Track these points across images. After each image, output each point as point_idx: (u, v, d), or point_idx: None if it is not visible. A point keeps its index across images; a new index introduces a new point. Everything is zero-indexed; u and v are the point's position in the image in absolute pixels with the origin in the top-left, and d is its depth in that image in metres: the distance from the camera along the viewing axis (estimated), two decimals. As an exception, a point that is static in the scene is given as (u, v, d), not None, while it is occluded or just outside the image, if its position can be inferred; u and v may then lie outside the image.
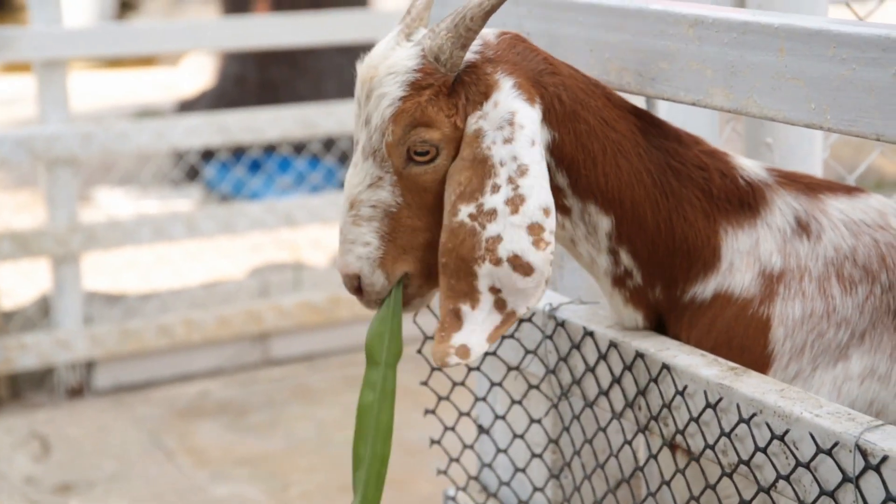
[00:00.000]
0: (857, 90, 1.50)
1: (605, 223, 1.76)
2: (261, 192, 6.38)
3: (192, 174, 6.86)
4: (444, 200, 1.68)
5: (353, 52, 7.69)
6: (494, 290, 1.65)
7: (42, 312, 4.81)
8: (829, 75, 1.53)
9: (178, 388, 4.73)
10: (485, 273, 1.65)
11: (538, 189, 1.64)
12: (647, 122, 1.78)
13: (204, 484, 4.00)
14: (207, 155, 6.81)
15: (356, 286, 1.75)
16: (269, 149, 6.55)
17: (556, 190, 1.73)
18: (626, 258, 1.78)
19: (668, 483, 1.79)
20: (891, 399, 1.75)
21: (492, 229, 1.64)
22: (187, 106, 7.54)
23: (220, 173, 6.76)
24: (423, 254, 1.73)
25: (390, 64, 1.69)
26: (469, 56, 1.70)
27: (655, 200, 1.75)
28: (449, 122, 1.68)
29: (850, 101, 1.51)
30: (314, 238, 6.07)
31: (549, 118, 1.70)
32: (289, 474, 4.05)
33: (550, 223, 1.64)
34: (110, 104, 8.94)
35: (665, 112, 2.20)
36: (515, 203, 1.64)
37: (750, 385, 1.64)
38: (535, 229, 1.63)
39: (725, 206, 1.77)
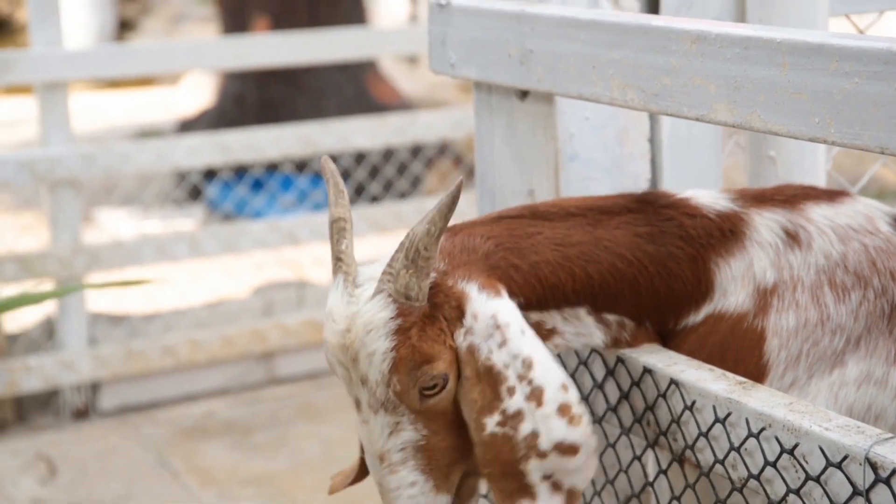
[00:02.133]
0: (861, 104, 1.51)
1: (581, 310, 1.77)
2: (263, 211, 6.39)
3: (195, 194, 6.87)
4: (465, 421, 1.67)
5: (353, 70, 7.72)
6: (547, 478, 1.65)
7: (46, 334, 4.81)
8: (832, 89, 1.53)
9: (183, 409, 4.73)
10: (533, 468, 1.64)
11: (550, 373, 1.65)
12: (596, 213, 1.78)
13: (211, 502, 4.00)
14: (209, 174, 6.82)
15: None
16: (271, 167, 6.55)
17: (536, 326, 1.73)
18: (612, 317, 1.79)
19: (678, 498, 1.79)
20: (888, 402, 1.76)
21: (524, 429, 1.64)
22: (188, 125, 7.55)
23: (223, 192, 6.77)
24: (467, 455, 1.71)
25: (365, 322, 1.65)
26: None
27: (633, 279, 1.76)
28: (445, 348, 1.66)
29: (854, 114, 1.51)
30: (317, 256, 6.08)
31: (512, 291, 1.70)
32: (294, 493, 4.04)
33: (573, 395, 1.65)
34: (110, 124, 8.95)
35: (668, 127, 2.20)
36: (537, 396, 1.64)
37: (758, 399, 1.64)
38: (564, 410, 1.64)
39: (710, 242, 1.78)
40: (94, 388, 4.69)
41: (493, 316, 1.65)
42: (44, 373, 4.56)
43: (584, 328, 1.78)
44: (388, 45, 5.45)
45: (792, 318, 1.75)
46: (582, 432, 1.64)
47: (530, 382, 1.64)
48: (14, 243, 6.32)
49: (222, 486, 4.10)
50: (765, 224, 1.79)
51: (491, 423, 1.64)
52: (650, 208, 1.79)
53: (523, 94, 2.04)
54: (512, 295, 1.70)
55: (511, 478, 1.65)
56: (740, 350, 1.76)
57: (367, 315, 1.65)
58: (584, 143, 2.14)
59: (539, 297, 1.73)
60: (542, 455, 1.63)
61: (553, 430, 1.63)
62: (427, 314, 1.66)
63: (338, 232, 1.71)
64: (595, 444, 1.65)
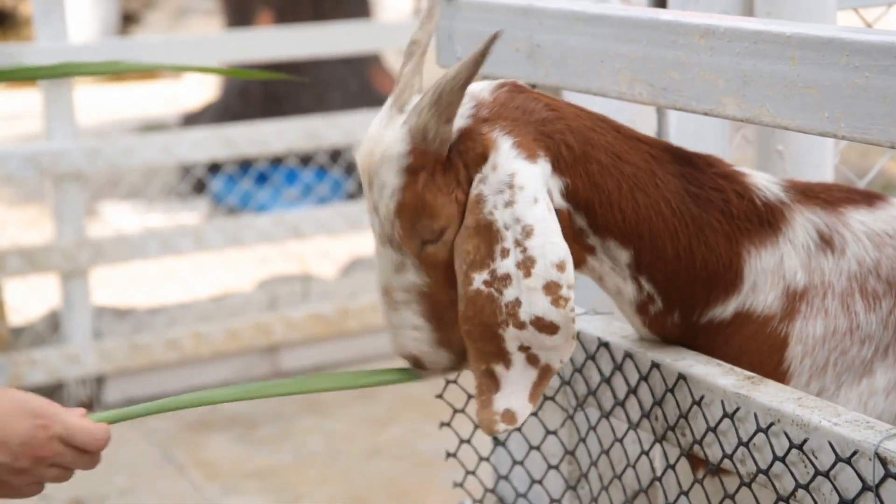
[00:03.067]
0: (871, 98, 1.50)
1: (624, 256, 1.73)
2: (268, 205, 6.39)
3: (199, 187, 6.87)
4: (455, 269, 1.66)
5: (357, 64, 7.73)
6: (524, 349, 1.63)
7: (51, 328, 4.81)
8: (842, 83, 1.53)
9: (187, 402, 4.72)
10: (511, 336, 1.62)
11: (548, 247, 1.60)
12: (660, 150, 1.74)
13: (215, 497, 4.00)
14: (214, 168, 6.82)
15: (418, 364, 1.72)
16: (276, 161, 6.55)
17: (578, 232, 1.70)
18: (647, 285, 1.75)
19: (686, 493, 1.79)
20: None
21: (509, 294, 1.60)
22: (192, 119, 7.55)
23: (227, 186, 6.77)
24: None
25: (384, 149, 1.64)
26: (462, 122, 1.65)
27: (674, 230, 1.71)
28: (449, 201, 1.63)
29: (864, 109, 1.51)
30: (322, 249, 6.08)
31: (558, 166, 1.66)
32: (299, 487, 4.05)
33: (567, 277, 1.61)
34: (114, 118, 8.96)
35: (675, 121, 2.20)
36: (527, 265, 1.60)
37: (767, 394, 1.63)
38: (551, 288, 1.60)
39: (747, 227, 1.73)
40: (99, 381, 4.70)
41: (512, 174, 1.61)
42: (49, 366, 4.56)
43: (619, 272, 1.73)
44: (393, 38, 5.44)
45: (820, 326, 1.71)
46: (563, 315, 1.60)
47: (525, 250, 1.60)
48: (18, 237, 6.32)
49: (227, 480, 4.10)
50: (801, 223, 1.75)
51: (479, 279, 1.61)
52: (708, 171, 1.74)
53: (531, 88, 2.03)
54: (559, 172, 1.66)
55: (489, 340, 1.62)
56: (759, 354, 1.73)
57: (386, 144, 1.63)
58: (591, 137, 2.13)
59: (587, 196, 1.68)
60: (520, 325, 1.60)
61: (535, 303, 1.60)
62: (443, 160, 1.63)
63: (407, 55, 1.71)
64: (575, 330, 1.62)
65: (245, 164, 6.32)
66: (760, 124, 1.65)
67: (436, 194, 1.62)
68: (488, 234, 1.61)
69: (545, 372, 1.63)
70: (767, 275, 1.74)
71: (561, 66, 1.91)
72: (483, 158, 1.63)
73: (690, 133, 2.21)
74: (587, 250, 1.72)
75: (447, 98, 1.59)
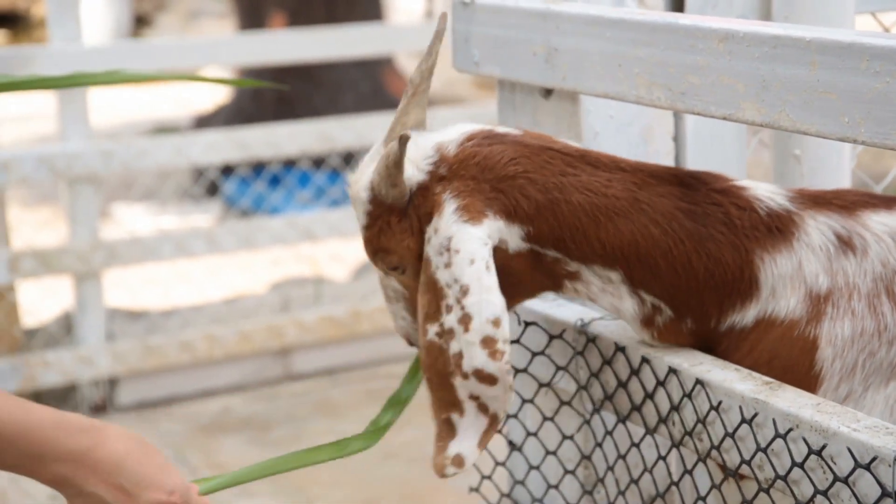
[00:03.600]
0: (892, 103, 1.49)
1: (615, 275, 1.77)
2: (281, 207, 6.39)
3: (212, 190, 6.88)
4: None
5: (369, 66, 7.73)
6: (474, 398, 1.74)
7: (64, 329, 4.82)
8: (862, 88, 1.52)
9: (200, 404, 4.73)
10: (459, 385, 1.73)
11: (483, 304, 1.71)
12: (644, 176, 1.76)
13: (227, 499, 3.99)
14: (227, 170, 6.83)
15: (410, 341, 1.91)
16: (289, 163, 6.56)
17: (552, 262, 1.77)
18: (648, 297, 1.77)
19: (703, 499, 1.78)
20: None
21: (454, 347, 1.73)
22: (204, 121, 7.56)
23: (240, 188, 6.78)
24: None
25: (357, 189, 1.81)
26: (421, 177, 1.77)
27: (667, 249, 1.74)
28: (402, 246, 1.78)
29: (885, 113, 1.50)
30: (335, 252, 6.08)
31: (516, 217, 1.75)
32: (311, 489, 4.05)
33: (502, 332, 1.72)
34: (126, 120, 8.97)
35: (692, 125, 2.20)
36: (465, 322, 1.71)
37: (786, 399, 1.63)
38: (488, 342, 1.71)
39: (755, 234, 1.74)
40: (112, 383, 4.70)
41: (449, 238, 1.73)
42: (62, 368, 4.57)
43: (614, 290, 1.78)
44: (405, 41, 5.44)
45: (847, 327, 1.71)
46: (499, 368, 1.71)
47: (463, 308, 1.71)
48: (32, 238, 6.33)
49: (240, 482, 4.10)
50: (816, 227, 1.74)
51: (431, 331, 1.74)
52: (702, 188, 1.76)
53: (547, 93, 2.03)
54: (516, 222, 1.75)
55: (445, 389, 1.74)
56: (790, 358, 1.72)
57: (359, 185, 1.81)
58: (608, 141, 2.13)
59: (556, 235, 1.76)
60: (465, 376, 1.72)
61: (474, 357, 1.71)
62: (399, 211, 1.78)
63: (404, 93, 1.85)
64: (511, 382, 1.73)
65: (258, 167, 6.33)
66: (779, 129, 1.64)
67: (390, 239, 1.79)
68: (435, 291, 1.74)
69: (493, 420, 1.76)
70: (786, 280, 1.74)
71: (578, 71, 1.90)
72: (429, 217, 1.76)
73: (707, 137, 2.21)
74: (567, 277, 1.79)
75: (388, 171, 1.74)
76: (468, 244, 1.72)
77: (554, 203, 1.74)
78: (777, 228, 1.74)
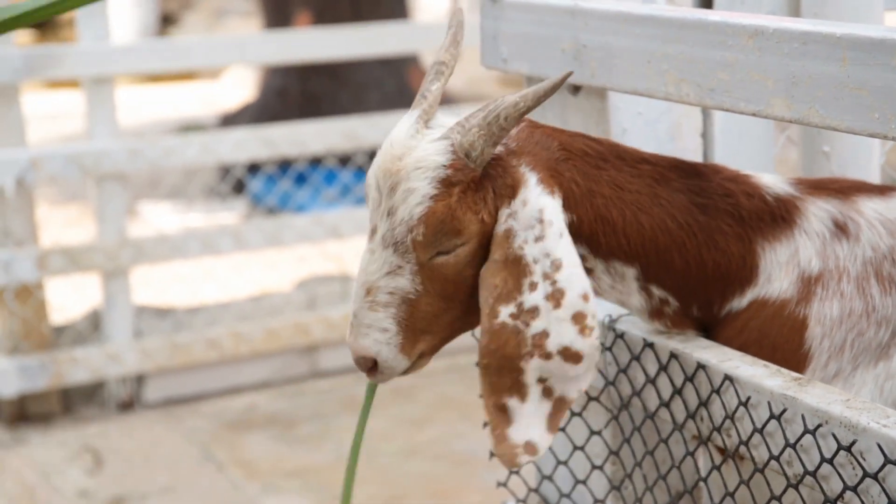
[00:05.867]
0: (922, 99, 1.49)
1: (630, 272, 1.79)
2: (307, 205, 6.41)
3: (239, 187, 6.90)
4: (469, 289, 1.71)
5: (394, 64, 7.75)
6: (542, 381, 1.69)
7: (92, 326, 4.85)
8: (893, 84, 1.52)
9: (227, 401, 4.75)
10: (534, 367, 1.68)
11: (575, 279, 1.67)
12: (665, 169, 1.79)
13: (255, 496, 4.02)
14: (253, 168, 6.85)
15: (370, 366, 1.76)
16: (315, 161, 6.57)
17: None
18: (658, 291, 1.81)
19: (731, 494, 1.78)
20: None
21: (536, 326, 1.67)
22: (230, 119, 7.59)
23: (266, 186, 6.80)
24: (441, 334, 1.76)
25: (419, 157, 1.68)
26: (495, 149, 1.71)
27: (682, 242, 1.77)
28: (476, 219, 1.69)
29: (915, 110, 1.50)
30: (360, 249, 6.09)
31: (567, 204, 1.73)
32: (338, 486, 4.05)
33: (592, 307, 1.68)
34: (153, 118, 9.01)
35: (720, 122, 2.20)
36: (556, 297, 1.67)
37: (815, 395, 1.63)
38: (579, 318, 1.67)
39: (759, 225, 1.79)
40: (140, 380, 4.73)
41: (541, 210, 1.68)
42: (90, 365, 4.60)
43: (623, 287, 1.80)
44: (430, 39, 5.45)
45: (836, 307, 1.75)
46: (590, 344, 1.67)
47: (554, 283, 1.67)
48: (61, 236, 6.37)
49: (266, 479, 4.12)
50: (816, 213, 1.80)
51: (505, 311, 1.67)
52: (716, 178, 1.80)
53: (576, 89, 2.04)
54: (565, 207, 1.72)
55: (507, 373, 1.68)
56: (780, 336, 1.77)
57: (423, 152, 1.68)
58: (637, 138, 2.13)
59: (591, 228, 1.75)
60: (547, 356, 1.67)
61: (564, 334, 1.67)
62: (477, 180, 1.69)
63: (434, 73, 1.76)
64: (598, 358, 1.69)
65: (284, 165, 6.34)
66: (809, 125, 1.64)
67: (466, 210, 1.68)
68: (517, 268, 1.67)
69: (560, 403, 1.70)
70: (782, 266, 1.79)
71: (607, 67, 1.91)
72: (512, 191, 1.69)
73: (735, 134, 2.21)
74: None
75: (503, 123, 1.66)
76: (557, 217, 1.68)
77: (592, 194, 1.75)
78: (781, 216, 1.79)
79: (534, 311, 1.66)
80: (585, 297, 1.67)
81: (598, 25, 1.91)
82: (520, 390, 1.68)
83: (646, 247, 1.77)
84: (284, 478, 4.13)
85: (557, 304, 1.66)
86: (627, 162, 1.78)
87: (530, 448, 1.68)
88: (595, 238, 1.76)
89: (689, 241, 1.77)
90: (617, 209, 1.76)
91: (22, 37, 11.44)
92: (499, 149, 1.71)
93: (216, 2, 12.77)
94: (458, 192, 1.67)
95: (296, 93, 7.32)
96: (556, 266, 1.66)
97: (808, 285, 1.77)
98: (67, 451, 4.36)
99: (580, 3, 1.94)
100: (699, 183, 1.79)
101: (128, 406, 4.70)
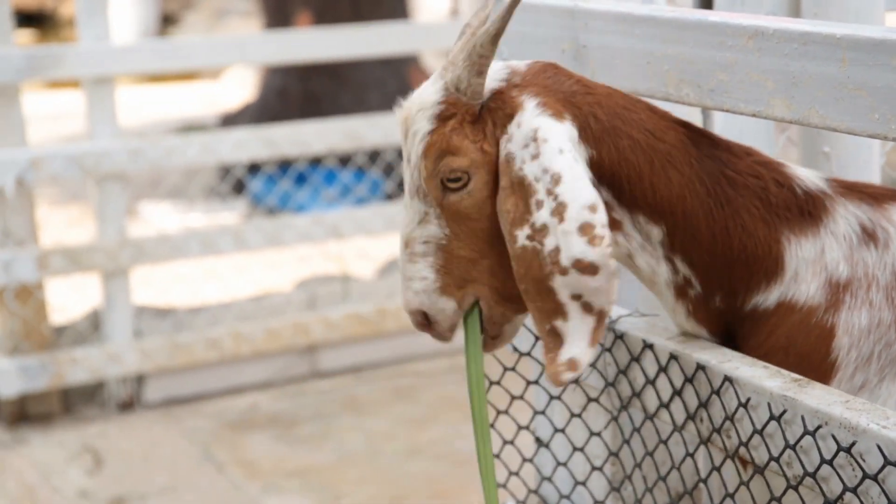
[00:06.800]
0: (922, 100, 1.49)
1: (656, 232, 1.77)
2: (307, 205, 6.41)
3: (239, 188, 6.90)
4: (500, 231, 1.73)
5: (395, 64, 7.73)
6: (576, 297, 1.68)
7: (92, 327, 4.85)
8: (893, 85, 1.52)
9: (227, 401, 4.75)
10: (560, 285, 1.68)
11: (577, 191, 1.67)
12: (697, 134, 1.78)
13: (255, 496, 4.02)
14: (253, 168, 6.85)
15: (422, 322, 1.79)
16: (315, 161, 6.57)
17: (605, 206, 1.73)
18: (682, 267, 1.78)
19: (731, 496, 1.78)
20: None
21: (549, 243, 1.67)
22: (230, 119, 7.59)
23: (267, 186, 6.80)
24: (488, 280, 1.76)
25: (420, 101, 1.76)
26: (495, 84, 1.75)
27: (710, 210, 1.75)
28: (475, 148, 1.73)
29: (915, 110, 1.50)
30: (361, 250, 6.09)
31: (584, 136, 1.73)
32: (339, 486, 4.06)
33: (600, 217, 1.67)
34: (153, 118, 9.01)
35: (720, 122, 2.19)
36: (560, 211, 1.67)
37: (814, 397, 1.63)
38: (585, 229, 1.66)
39: (786, 215, 1.76)
40: (140, 380, 4.73)
41: (535, 129, 1.70)
42: (90, 365, 4.60)
43: (651, 249, 1.78)
44: (431, 39, 5.45)
45: (865, 317, 1.73)
46: (600, 253, 1.67)
47: (556, 198, 1.67)
48: (61, 236, 6.37)
49: (267, 479, 4.12)
50: (844, 215, 1.77)
51: (521, 235, 1.69)
52: (747, 158, 1.79)
53: (576, 90, 2.03)
54: (584, 141, 1.73)
55: (544, 296, 1.69)
56: (806, 345, 1.74)
57: (423, 96, 1.76)
58: (636, 138, 2.12)
59: (614, 171, 1.74)
60: (564, 272, 1.67)
61: (572, 246, 1.67)
62: (473, 112, 1.74)
63: (460, 34, 1.82)
64: (614, 267, 1.68)
65: (284, 165, 6.34)
66: (809, 126, 1.64)
67: (462, 138, 1.73)
68: (522, 190, 1.69)
69: (600, 316, 1.69)
70: (809, 264, 1.75)
71: (607, 68, 1.90)
72: (510, 118, 1.72)
73: (735, 135, 2.20)
74: (613, 226, 1.76)
75: (479, 51, 1.70)
76: (556, 134, 1.69)
77: (617, 132, 1.74)
78: (808, 212, 1.76)
79: (544, 230, 1.67)
80: (592, 208, 1.66)
81: (598, 26, 1.91)
82: (560, 310, 1.69)
83: (673, 204, 1.74)
84: (285, 478, 4.13)
85: (562, 218, 1.66)
86: (659, 115, 1.78)
87: (572, 364, 1.68)
88: (618, 183, 1.75)
89: (717, 211, 1.75)
90: (645, 155, 1.74)
91: (22, 37, 11.45)
92: (501, 84, 1.75)
93: (216, 2, 12.77)
94: (453, 124, 1.73)
95: (296, 93, 7.32)
96: (556, 180, 1.67)
97: (837, 292, 1.74)
98: (67, 452, 4.36)
99: (580, 4, 1.94)
100: (730, 158, 1.78)
101: (128, 406, 4.70)
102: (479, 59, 1.71)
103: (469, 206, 1.74)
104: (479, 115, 1.73)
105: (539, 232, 1.67)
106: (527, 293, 1.70)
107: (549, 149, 1.68)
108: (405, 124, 1.77)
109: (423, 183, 1.75)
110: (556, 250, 1.67)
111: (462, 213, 1.75)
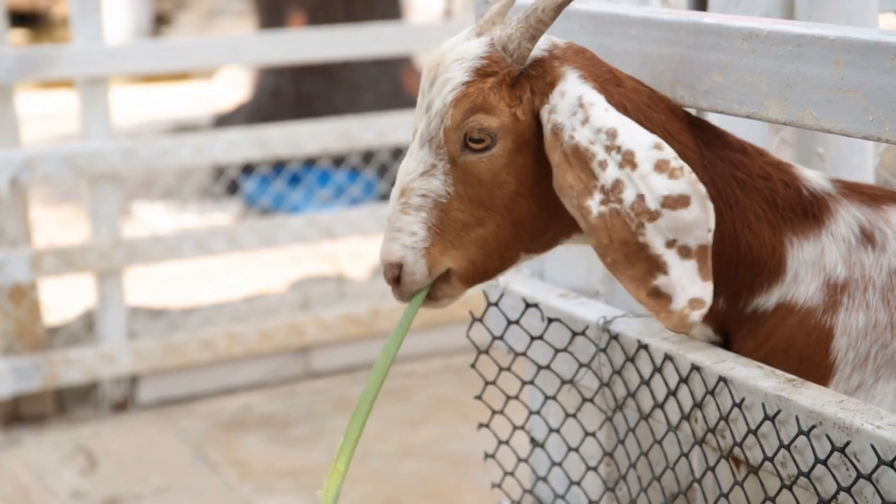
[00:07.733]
0: (916, 101, 1.50)
1: None
2: (301, 206, 6.41)
3: (233, 188, 6.90)
4: (504, 202, 1.71)
5: (388, 65, 7.74)
6: (671, 244, 1.66)
7: (86, 327, 4.85)
8: (886, 87, 1.53)
9: (221, 402, 4.75)
10: (653, 234, 1.65)
11: (638, 136, 1.66)
12: (711, 135, 1.79)
13: (249, 496, 4.02)
14: (247, 169, 6.85)
15: (396, 276, 1.74)
16: (309, 162, 6.57)
17: None
18: None
19: (725, 495, 1.79)
20: None
21: (628, 196, 1.65)
22: (224, 119, 7.58)
23: (260, 187, 6.80)
24: (471, 252, 1.73)
25: (459, 52, 1.72)
26: (537, 53, 1.72)
27: (720, 211, 1.74)
28: (509, 112, 1.70)
29: (909, 112, 1.51)
30: (354, 250, 6.09)
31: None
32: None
33: (669, 151, 1.66)
34: (147, 119, 9.01)
35: (715, 122, 2.20)
36: (629, 160, 1.65)
37: (809, 397, 1.63)
38: (662, 166, 1.65)
39: (790, 217, 1.77)
40: (133, 380, 4.73)
41: (580, 96, 1.68)
42: (84, 365, 4.59)
43: None
44: (424, 40, 5.45)
45: (862, 319, 1.74)
46: (686, 182, 1.64)
47: (619, 150, 1.65)
48: (55, 236, 6.37)
49: (260, 479, 4.12)
50: (845, 217, 1.78)
51: (594, 204, 1.66)
52: (759, 158, 1.79)
53: (571, 91, 2.03)
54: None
55: (636, 258, 1.65)
56: (806, 346, 1.75)
57: (465, 47, 1.72)
58: (631, 139, 2.13)
59: None
60: (654, 216, 1.64)
61: (656, 186, 1.64)
62: (514, 76, 1.71)
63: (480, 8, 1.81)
64: (704, 191, 1.64)
65: (278, 166, 6.34)
66: (803, 127, 1.65)
67: (499, 99, 1.69)
68: (579, 158, 1.66)
69: (701, 253, 1.66)
70: (808, 266, 1.76)
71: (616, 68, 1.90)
72: (551, 87, 1.70)
73: (729, 135, 2.21)
74: None
75: (540, 16, 1.68)
76: (600, 98, 1.68)
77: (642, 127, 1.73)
78: (812, 214, 1.77)
79: (618, 185, 1.65)
80: (658, 147, 1.65)
81: (593, 28, 1.91)
82: (658, 265, 1.65)
83: None
84: (278, 478, 4.13)
85: (634, 166, 1.64)
86: (678, 115, 1.78)
87: (696, 303, 1.65)
88: None
89: (727, 212, 1.75)
90: None
91: (16, 37, 11.43)
92: (543, 53, 1.73)
93: (210, 2, 12.76)
94: (493, 82, 1.70)
95: (290, 93, 7.32)
96: (612, 134, 1.66)
97: (835, 294, 1.75)
98: (61, 452, 4.36)
99: (575, 5, 1.94)
100: (742, 159, 1.78)
101: (122, 407, 4.69)
102: (537, 24, 1.68)
103: (484, 170, 1.70)
104: (518, 79, 1.71)
105: (612, 191, 1.65)
106: (615, 265, 1.66)
107: (597, 110, 1.67)
108: (434, 70, 1.72)
109: (443, 133, 1.70)
110: (640, 199, 1.64)
111: (474, 176, 1.71)
